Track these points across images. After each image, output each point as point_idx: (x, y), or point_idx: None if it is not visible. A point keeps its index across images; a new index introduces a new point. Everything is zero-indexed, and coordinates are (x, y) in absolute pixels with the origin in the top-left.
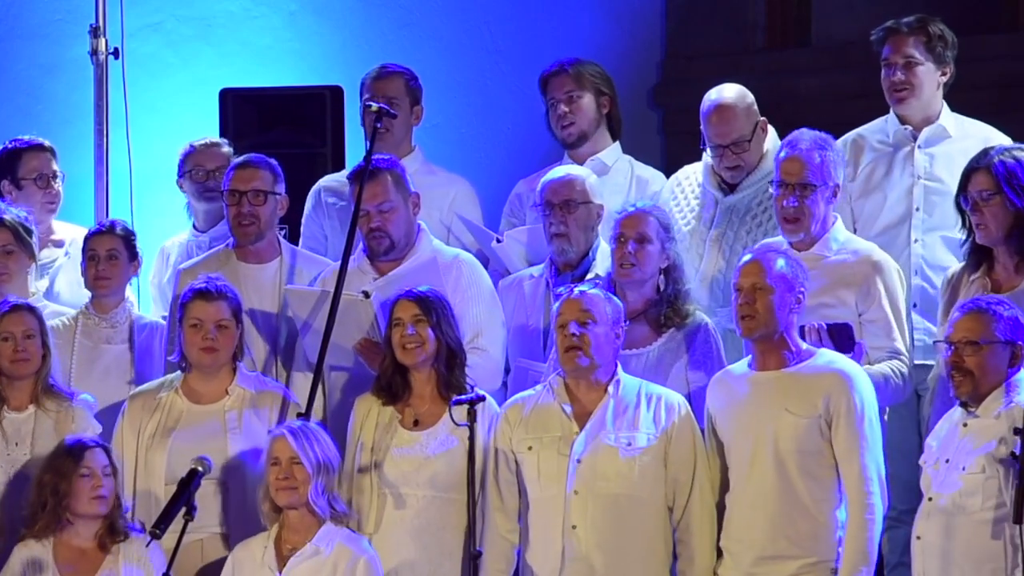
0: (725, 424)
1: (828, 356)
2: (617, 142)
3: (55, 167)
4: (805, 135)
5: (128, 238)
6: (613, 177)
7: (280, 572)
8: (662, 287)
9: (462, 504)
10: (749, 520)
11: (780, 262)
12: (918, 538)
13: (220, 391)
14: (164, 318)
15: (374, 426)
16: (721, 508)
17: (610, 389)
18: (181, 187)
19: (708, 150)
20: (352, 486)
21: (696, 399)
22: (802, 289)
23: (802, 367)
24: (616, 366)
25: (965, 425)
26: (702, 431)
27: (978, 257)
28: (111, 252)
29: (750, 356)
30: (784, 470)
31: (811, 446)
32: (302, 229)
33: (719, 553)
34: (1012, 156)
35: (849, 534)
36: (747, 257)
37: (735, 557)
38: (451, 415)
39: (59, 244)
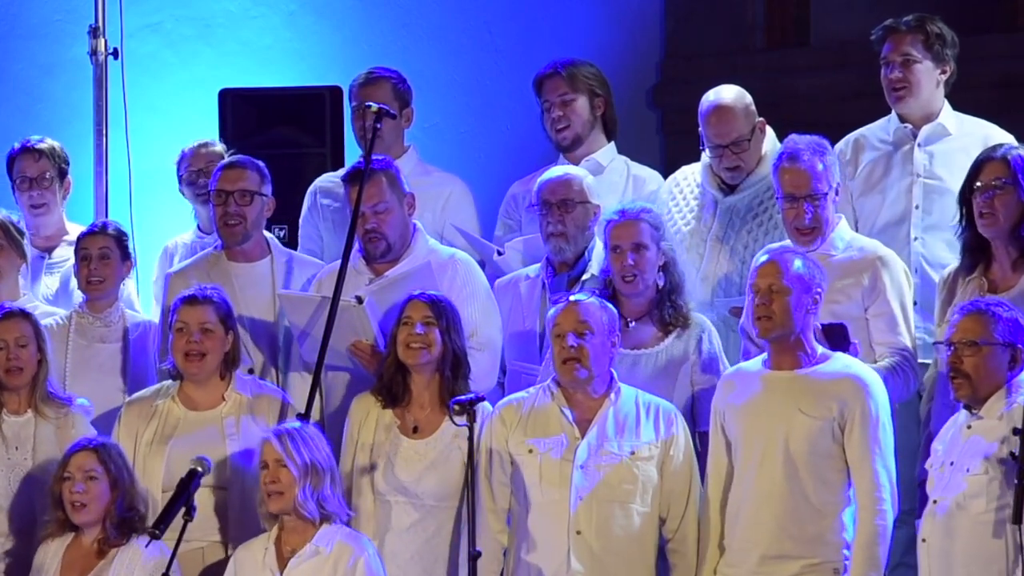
0: (735, 422)
1: (845, 360)
2: (612, 143)
3: (45, 168)
4: (801, 143)
5: (120, 238)
6: (608, 177)
7: (281, 573)
8: (660, 284)
9: (453, 512)
10: (755, 519)
11: (797, 263)
12: (923, 540)
13: (217, 397)
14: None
15: (373, 429)
16: (725, 505)
17: (611, 397)
18: (184, 194)
19: (707, 151)
20: (350, 487)
21: (702, 401)
22: (819, 290)
23: (817, 370)
24: (613, 375)
25: (969, 427)
26: (704, 433)
27: (974, 257)
28: (103, 251)
29: (765, 355)
30: (794, 470)
31: (822, 448)
32: (300, 230)
33: (721, 550)
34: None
35: (859, 540)
36: (763, 257)
37: (739, 555)
38: (450, 416)
39: (72, 244)
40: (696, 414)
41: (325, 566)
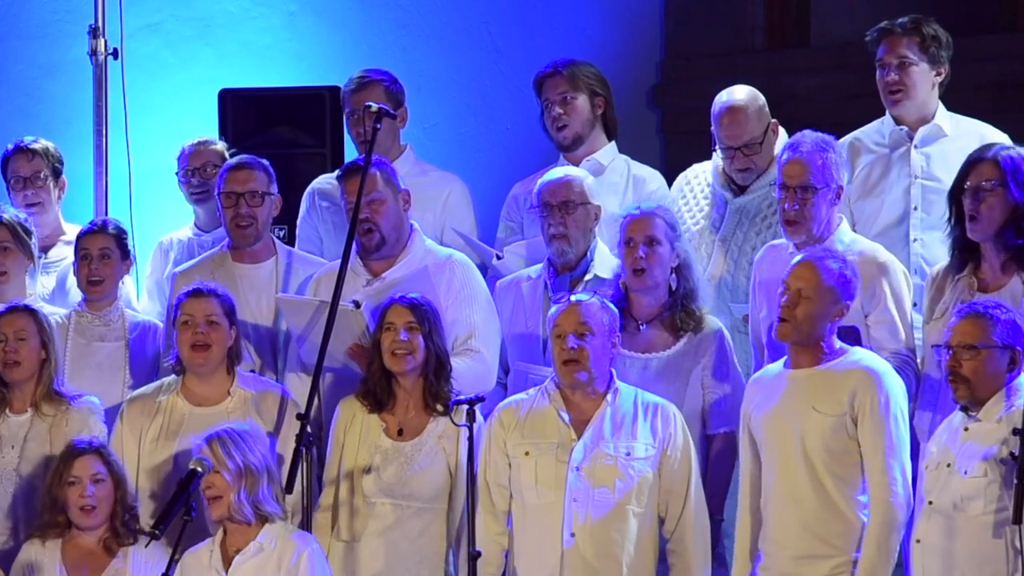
0: (759, 425)
1: (859, 354)
2: (613, 142)
3: (39, 167)
4: (807, 137)
5: (120, 237)
6: (609, 177)
7: (226, 572)
8: (674, 286)
9: (442, 513)
10: (782, 520)
11: (833, 269)
12: (917, 541)
13: (221, 393)
14: (159, 315)
15: (358, 432)
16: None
17: (608, 398)
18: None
19: (718, 151)
20: (333, 491)
21: (713, 405)
22: (848, 301)
23: (833, 364)
24: (612, 374)
25: (966, 429)
26: (702, 437)
27: (963, 256)
28: (104, 251)
29: (786, 356)
30: (813, 469)
31: (838, 445)
32: (297, 231)
33: (755, 555)
34: (1016, 152)
35: (870, 534)
36: (798, 258)
37: (772, 558)
38: (450, 416)
39: (69, 243)
40: (707, 418)
41: (269, 563)
